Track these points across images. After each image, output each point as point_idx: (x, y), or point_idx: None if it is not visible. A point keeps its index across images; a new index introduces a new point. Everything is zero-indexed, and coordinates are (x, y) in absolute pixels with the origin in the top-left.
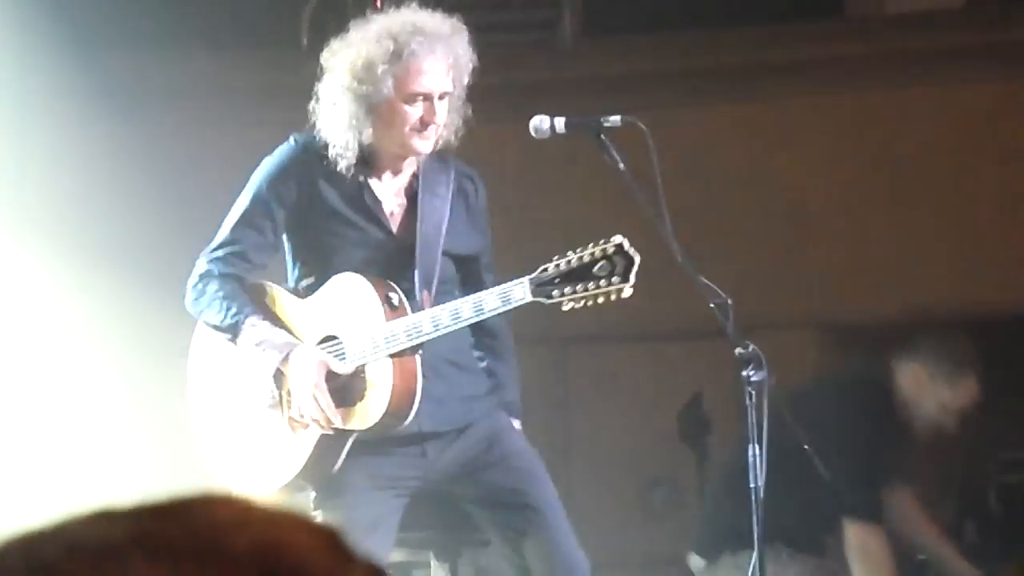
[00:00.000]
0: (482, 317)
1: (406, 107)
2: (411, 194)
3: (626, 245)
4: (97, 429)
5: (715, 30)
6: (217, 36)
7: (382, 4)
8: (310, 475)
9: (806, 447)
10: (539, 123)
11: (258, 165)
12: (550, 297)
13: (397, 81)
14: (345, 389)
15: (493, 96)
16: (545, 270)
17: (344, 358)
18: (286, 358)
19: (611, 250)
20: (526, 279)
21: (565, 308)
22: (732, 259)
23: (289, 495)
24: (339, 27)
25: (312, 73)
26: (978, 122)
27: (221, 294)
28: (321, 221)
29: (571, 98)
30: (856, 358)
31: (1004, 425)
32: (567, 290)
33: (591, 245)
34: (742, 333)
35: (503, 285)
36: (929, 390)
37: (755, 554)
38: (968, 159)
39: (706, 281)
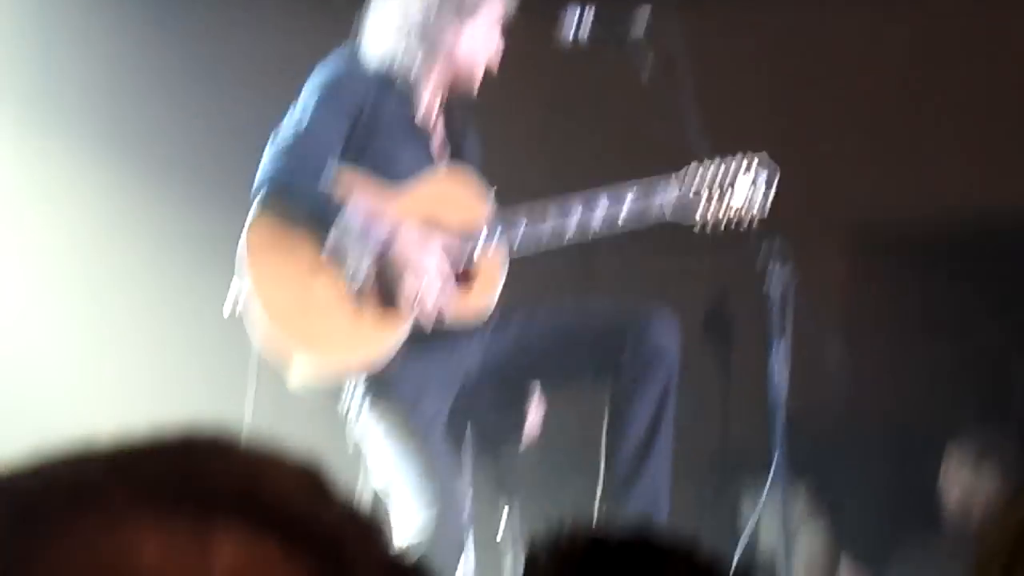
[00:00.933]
0: (621, 210)
1: (492, 29)
2: (445, 124)
3: (767, 158)
4: (125, 332)
5: None
6: None
7: None
8: (388, 360)
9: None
10: (566, 25)
11: (294, 61)
12: (696, 206)
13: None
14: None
15: None
16: (693, 169)
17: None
18: (398, 235)
19: (754, 162)
20: (673, 175)
21: (706, 220)
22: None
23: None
24: None
25: None
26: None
27: (313, 172)
28: (382, 132)
29: None
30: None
31: None
32: (714, 195)
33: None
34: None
35: (643, 180)
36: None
37: (778, 452)
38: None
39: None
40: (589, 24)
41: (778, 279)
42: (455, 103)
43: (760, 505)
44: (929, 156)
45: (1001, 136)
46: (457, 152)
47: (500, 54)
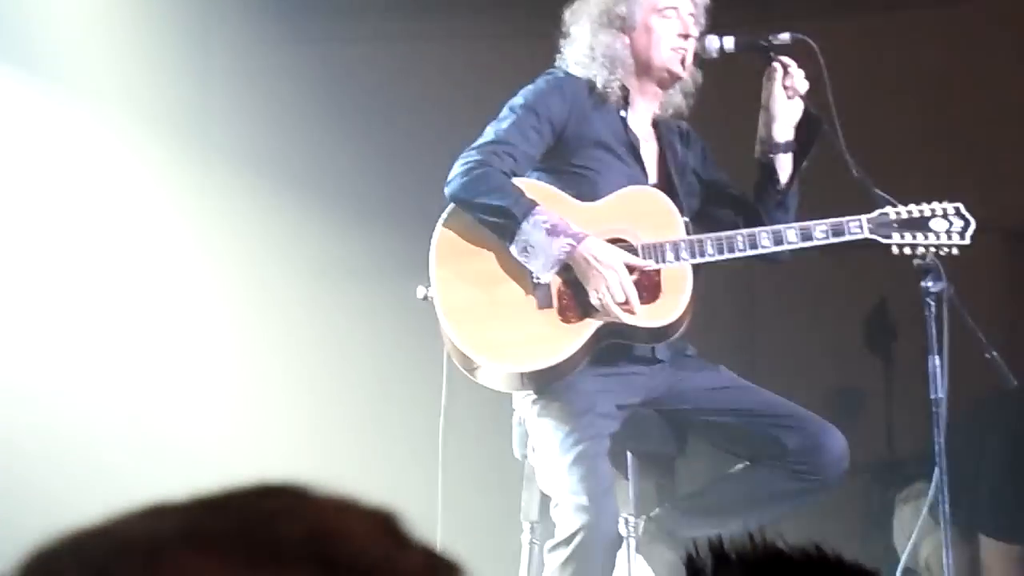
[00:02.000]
0: (808, 244)
1: (660, 20)
2: (656, 142)
3: (963, 209)
4: (275, 357)
5: None
6: None
7: None
8: (567, 367)
9: (989, 355)
10: (709, 43)
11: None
12: (887, 237)
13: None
14: (638, 287)
15: None
16: (885, 214)
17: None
18: (584, 244)
19: (951, 210)
20: (863, 217)
21: (895, 251)
22: (910, 166)
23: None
24: None
25: None
26: None
27: (505, 180)
28: (588, 149)
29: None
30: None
31: None
32: (906, 235)
33: (932, 202)
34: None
35: (833, 219)
36: None
37: (937, 470)
38: None
39: (882, 193)
40: (732, 41)
41: (935, 291)
42: (667, 120)
43: (921, 520)
44: None
45: None
46: (666, 169)
47: (693, 56)
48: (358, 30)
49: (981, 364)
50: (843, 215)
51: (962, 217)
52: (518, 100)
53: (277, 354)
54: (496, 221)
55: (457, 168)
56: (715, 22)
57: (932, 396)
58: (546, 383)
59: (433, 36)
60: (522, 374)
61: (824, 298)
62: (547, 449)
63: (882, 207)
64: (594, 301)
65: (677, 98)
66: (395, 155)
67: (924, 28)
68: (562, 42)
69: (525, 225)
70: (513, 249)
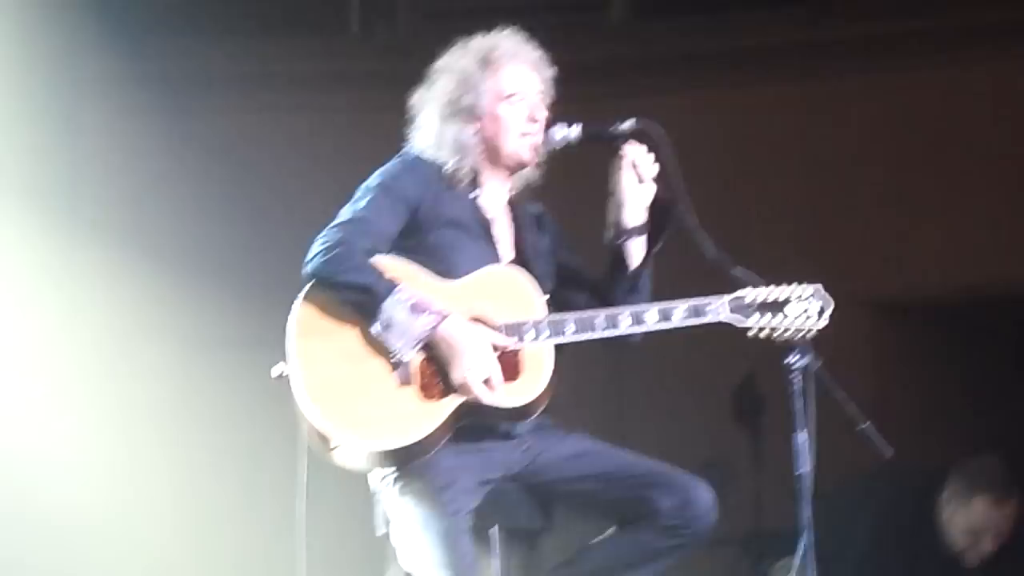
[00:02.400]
0: (668, 326)
1: (508, 107)
2: (510, 223)
3: (822, 290)
4: (146, 424)
5: (762, 10)
6: (267, 23)
7: None
8: (427, 445)
9: (860, 427)
10: (554, 133)
11: (323, 165)
12: (746, 319)
13: (492, 82)
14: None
15: None
16: (742, 296)
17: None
18: (447, 323)
19: (808, 292)
20: (725, 298)
21: (750, 334)
22: (779, 236)
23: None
24: (388, 13)
25: (362, 59)
26: None
27: (365, 259)
28: (442, 229)
29: (620, 78)
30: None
31: None
32: (764, 319)
33: (789, 284)
34: None
35: (694, 300)
36: (958, 514)
37: (803, 543)
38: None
39: (739, 274)
40: (578, 131)
41: (800, 366)
42: (522, 203)
43: None
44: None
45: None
46: (521, 249)
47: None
48: (224, 101)
49: (850, 437)
50: (710, 294)
51: (820, 299)
52: (373, 181)
53: (144, 425)
54: (358, 298)
55: (316, 247)
56: (566, 95)
57: (797, 472)
58: (406, 461)
59: (296, 109)
60: (382, 452)
61: (692, 372)
62: (409, 527)
63: (743, 286)
64: (456, 379)
65: (525, 179)
66: (260, 227)
67: (787, 101)
68: (410, 128)
69: (387, 303)
70: (376, 327)
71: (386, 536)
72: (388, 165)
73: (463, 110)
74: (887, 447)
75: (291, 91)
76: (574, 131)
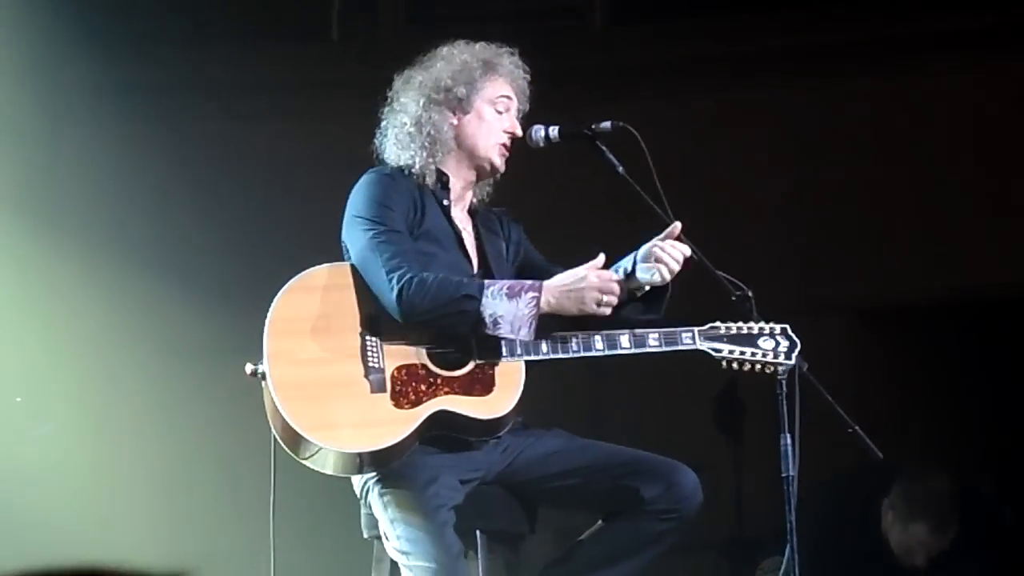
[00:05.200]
0: (642, 351)
1: (493, 112)
2: (472, 230)
3: (790, 331)
4: (123, 427)
5: (741, 16)
6: (246, 30)
7: None
8: (395, 452)
9: (851, 430)
10: (535, 132)
11: (296, 168)
12: (717, 351)
13: (489, 84)
14: (472, 380)
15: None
16: (716, 327)
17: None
18: (545, 292)
19: (778, 330)
20: (695, 329)
21: (724, 366)
22: (761, 244)
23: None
24: (368, 21)
25: (342, 66)
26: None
27: (438, 278)
28: (421, 240)
29: (599, 85)
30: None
31: None
32: (735, 350)
33: (761, 321)
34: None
35: (667, 328)
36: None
37: (788, 547)
38: (999, 143)
39: (724, 276)
40: (557, 131)
41: (784, 372)
42: (484, 209)
43: None
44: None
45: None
46: (484, 258)
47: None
48: (204, 108)
49: (834, 440)
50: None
51: (788, 338)
52: (367, 207)
53: (123, 433)
54: (461, 311)
55: (395, 292)
56: (548, 100)
57: (784, 474)
58: (372, 467)
59: (278, 116)
60: (356, 455)
61: (674, 375)
62: (394, 523)
63: (725, 289)
64: (602, 311)
65: (486, 187)
66: (241, 234)
67: (767, 106)
68: (383, 111)
69: (485, 300)
70: (487, 328)
71: (372, 539)
72: (367, 186)
73: (452, 99)
74: (876, 451)
75: (272, 98)
76: (553, 130)
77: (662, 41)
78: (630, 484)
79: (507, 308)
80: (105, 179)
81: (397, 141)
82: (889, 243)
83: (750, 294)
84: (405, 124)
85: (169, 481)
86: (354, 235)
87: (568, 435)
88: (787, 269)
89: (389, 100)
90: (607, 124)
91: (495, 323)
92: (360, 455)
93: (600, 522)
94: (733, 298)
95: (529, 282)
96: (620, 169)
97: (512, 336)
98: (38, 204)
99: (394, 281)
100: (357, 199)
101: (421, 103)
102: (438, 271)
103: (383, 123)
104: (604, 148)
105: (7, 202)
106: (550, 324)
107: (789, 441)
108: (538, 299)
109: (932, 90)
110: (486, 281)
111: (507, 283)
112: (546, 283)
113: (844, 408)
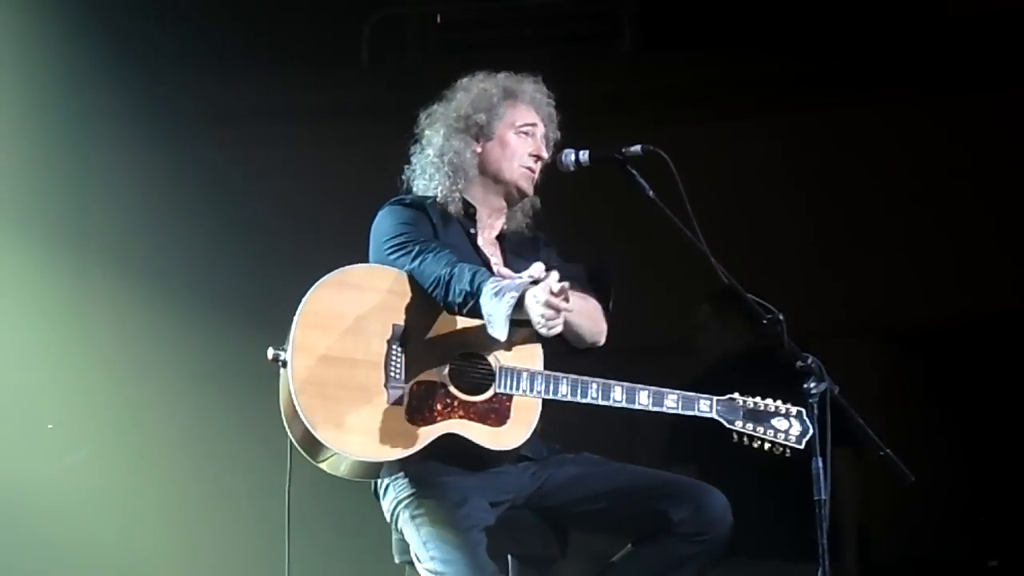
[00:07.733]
0: (658, 410)
1: (516, 137)
2: (500, 256)
3: (806, 414)
4: (155, 452)
5: (769, 40)
6: (278, 56)
7: (442, 20)
8: (401, 464)
9: (882, 453)
10: (566, 156)
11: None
12: (731, 423)
13: (510, 111)
14: (488, 408)
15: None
16: (733, 399)
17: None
18: (527, 297)
19: (793, 412)
20: (714, 398)
21: (735, 439)
22: (791, 267)
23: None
24: (398, 45)
25: (371, 91)
26: None
27: (466, 272)
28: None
29: (630, 110)
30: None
31: None
32: (748, 425)
33: (778, 401)
34: (799, 346)
35: (687, 392)
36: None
37: (820, 571)
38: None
39: (755, 299)
40: (588, 155)
41: (817, 392)
42: (511, 231)
43: None
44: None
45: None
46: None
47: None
48: (232, 134)
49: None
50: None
51: (802, 422)
52: (395, 230)
53: (154, 455)
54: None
55: (450, 284)
56: (577, 125)
57: (816, 497)
58: (376, 476)
59: (307, 141)
60: (357, 461)
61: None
62: (426, 545)
63: (755, 313)
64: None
65: (519, 217)
66: (269, 258)
67: (801, 130)
68: (411, 148)
69: (483, 299)
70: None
71: (405, 564)
72: (389, 215)
73: (473, 127)
74: (908, 475)
75: (301, 123)
76: (584, 154)
77: (691, 66)
78: (659, 507)
79: (493, 307)
80: (135, 205)
81: (423, 173)
82: (920, 266)
83: (781, 317)
84: (429, 156)
85: (200, 504)
86: (394, 265)
87: (598, 459)
88: (818, 292)
89: (415, 138)
90: (637, 148)
91: (488, 319)
92: (363, 463)
93: (630, 545)
94: (764, 321)
95: (516, 283)
96: (650, 193)
97: (494, 335)
98: (68, 231)
99: (431, 283)
100: (379, 231)
101: (443, 133)
102: None
103: (412, 160)
104: (634, 172)
105: (38, 229)
106: (576, 366)
107: (821, 464)
108: (514, 303)
109: (964, 111)
110: (489, 278)
111: (501, 283)
112: (527, 292)
113: (875, 431)
